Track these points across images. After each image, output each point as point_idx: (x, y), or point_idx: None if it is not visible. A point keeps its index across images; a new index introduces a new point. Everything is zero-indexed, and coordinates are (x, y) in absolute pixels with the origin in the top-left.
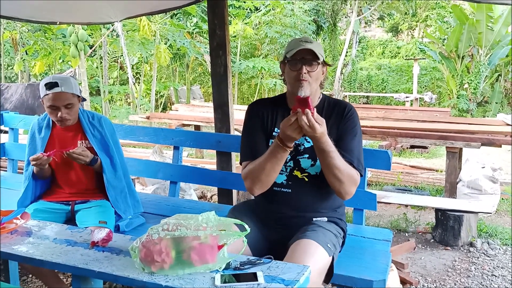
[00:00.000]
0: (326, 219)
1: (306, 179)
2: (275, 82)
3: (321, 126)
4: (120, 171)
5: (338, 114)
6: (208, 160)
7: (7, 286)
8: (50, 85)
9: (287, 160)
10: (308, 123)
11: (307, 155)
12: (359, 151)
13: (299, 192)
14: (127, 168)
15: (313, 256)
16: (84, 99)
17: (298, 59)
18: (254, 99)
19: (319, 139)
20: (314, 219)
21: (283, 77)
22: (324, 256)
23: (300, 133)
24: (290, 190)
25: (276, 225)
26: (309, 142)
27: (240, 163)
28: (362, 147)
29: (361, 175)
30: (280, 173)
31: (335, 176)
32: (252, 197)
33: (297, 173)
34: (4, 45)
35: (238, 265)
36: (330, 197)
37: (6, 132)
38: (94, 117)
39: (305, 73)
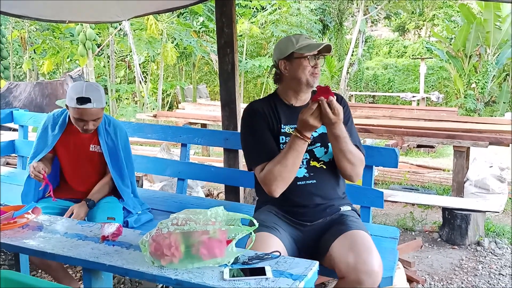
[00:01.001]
0: (349, 208)
1: (324, 167)
2: None
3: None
4: (128, 180)
5: None
6: (214, 158)
7: (9, 273)
8: (82, 100)
9: None
10: (333, 110)
11: (319, 144)
12: (358, 134)
13: (323, 181)
14: (134, 178)
15: (373, 245)
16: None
17: (316, 55)
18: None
19: (338, 125)
20: (341, 208)
21: (277, 73)
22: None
23: (321, 121)
24: (315, 181)
25: (306, 222)
26: (316, 131)
27: (251, 169)
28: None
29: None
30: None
31: (349, 160)
32: (257, 198)
33: (314, 163)
34: (13, 44)
35: (247, 260)
36: (341, 181)
37: (15, 130)
38: (111, 124)
39: (318, 67)
